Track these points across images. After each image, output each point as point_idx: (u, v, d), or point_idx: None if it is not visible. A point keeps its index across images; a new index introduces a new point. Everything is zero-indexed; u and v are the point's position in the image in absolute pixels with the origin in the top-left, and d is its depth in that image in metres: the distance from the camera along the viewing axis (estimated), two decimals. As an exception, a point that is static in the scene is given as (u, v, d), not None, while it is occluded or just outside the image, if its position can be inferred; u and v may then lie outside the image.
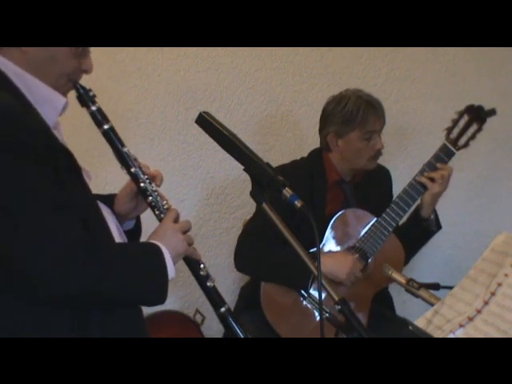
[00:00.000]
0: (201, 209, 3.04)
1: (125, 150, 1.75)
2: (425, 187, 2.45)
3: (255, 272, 2.54)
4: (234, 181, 2.95)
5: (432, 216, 2.51)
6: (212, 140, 1.61)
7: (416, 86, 3.17)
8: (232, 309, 2.62)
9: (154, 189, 1.77)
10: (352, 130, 2.48)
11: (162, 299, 1.61)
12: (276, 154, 3.03)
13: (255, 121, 3.03)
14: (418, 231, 2.55)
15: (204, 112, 1.61)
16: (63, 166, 1.57)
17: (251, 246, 2.49)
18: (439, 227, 2.55)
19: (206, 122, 1.60)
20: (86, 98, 1.71)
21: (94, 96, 1.72)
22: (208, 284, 1.74)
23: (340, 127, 2.50)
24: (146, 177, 1.76)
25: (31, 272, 1.45)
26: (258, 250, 2.46)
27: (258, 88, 3.06)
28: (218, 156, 2.89)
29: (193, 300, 2.86)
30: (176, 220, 1.73)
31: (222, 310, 1.74)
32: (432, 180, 2.43)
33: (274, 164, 1.64)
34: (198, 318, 2.74)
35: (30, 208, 1.45)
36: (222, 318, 1.75)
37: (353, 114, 2.46)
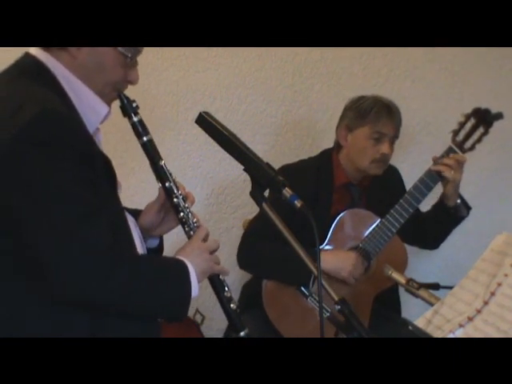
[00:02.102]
0: (201, 209, 3.04)
1: (161, 163, 1.77)
2: (430, 188, 2.44)
3: (257, 269, 2.55)
4: (234, 181, 2.96)
5: (459, 201, 2.51)
6: (212, 140, 1.61)
7: (416, 86, 3.17)
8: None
9: (186, 205, 1.78)
10: (362, 126, 2.49)
11: (182, 316, 1.63)
12: (276, 153, 3.03)
13: (255, 121, 3.03)
14: (450, 219, 2.55)
15: (204, 112, 1.61)
16: (101, 172, 1.58)
17: (254, 244, 2.50)
18: (469, 209, 2.55)
19: (205, 122, 1.60)
20: (128, 109, 1.73)
21: (137, 107, 1.74)
22: (231, 306, 1.75)
23: (352, 120, 2.52)
24: (179, 193, 1.78)
25: (52, 268, 1.44)
26: (261, 247, 2.47)
27: (257, 88, 3.06)
28: (217, 156, 2.89)
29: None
30: (205, 239, 1.74)
31: (242, 334, 1.74)
32: (448, 168, 2.42)
33: (274, 164, 1.63)
34: (198, 318, 2.74)
35: (68, 208, 1.45)
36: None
37: (367, 110, 2.48)
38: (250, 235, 2.54)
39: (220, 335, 2.71)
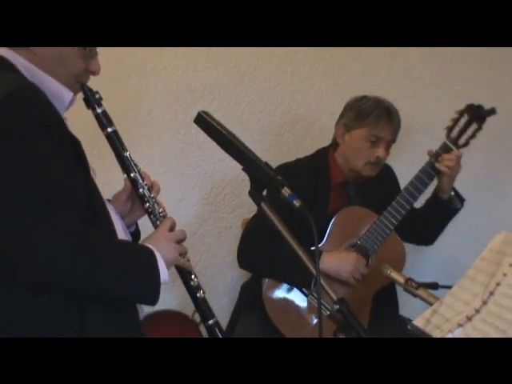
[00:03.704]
0: (199, 208, 3.05)
1: (126, 154, 1.78)
2: (430, 179, 2.47)
3: (258, 269, 2.55)
4: (233, 180, 2.96)
5: (452, 193, 2.53)
6: (211, 139, 1.60)
7: (414, 86, 3.18)
8: (233, 307, 2.65)
9: (152, 195, 1.80)
10: (360, 127, 2.49)
11: (153, 300, 1.63)
12: (275, 153, 3.03)
13: (254, 120, 3.03)
14: (445, 212, 2.57)
15: (203, 111, 1.60)
16: (71, 153, 1.59)
17: (254, 244, 2.50)
18: (463, 200, 2.56)
19: (204, 122, 1.60)
20: (92, 100, 1.74)
21: (101, 99, 1.76)
22: (198, 295, 1.78)
23: (351, 120, 2.52)
24: (145, 183, 1.80)
25: (17, 256, 1.45)
26: (261, 247, 2.46)
27: (256, 88, 3.06)
28: (216, 155, 2.89)
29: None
30: (172, 229, 1.76)
31: (210, 322, 1.79)
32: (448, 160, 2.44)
33: (273, 164, 1.64)
34: (197, 318, 2.74)
35: (29, 193, 1.46)
36: (209, 331, 1.79)
37: (367, 112, 2.49)
38: (250, 235, 2.54)
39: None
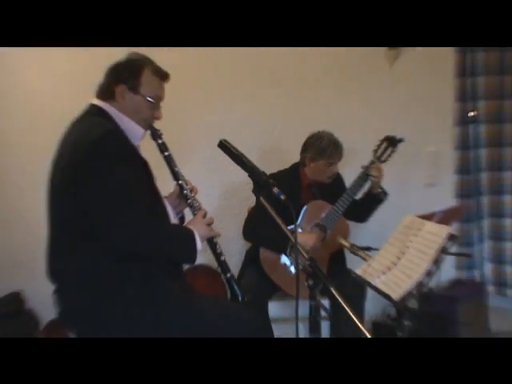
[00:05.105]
0: (220, 201, 3.01)
1: (176, 169, 1.78)
2: (365, 182, 2.45)
3: (256, 241, 2.50)
4: (241, 183, 2.92)
5: (380, 190, 2.52)
6: (228, 157, 1.59)
7: (354, 123, 3.08)
8: (240, 264, 2.62)
9: (192, 195, 1.79)
10: (321, 159, 2.48)
11: (192, 260, 1.64)
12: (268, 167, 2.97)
13: (255, 148, 2.96)
14: (374, 202, 2.55)
15: (223, 139, 1.59)
16: (142, 168, 1.62)
17: (253, 224, 2.46)
18: (386, 194, 2.55)
19: (224, 146, 1.59)
20: (155, 135, 1.75)
21: (161, 134, 1.75)
22: (222, 258, 1.78)
23: (314, 155, 2.49)
24: (188, 187, 1.80)
25: (112, 232, 1.48)
26: (256, 227, 2.42)
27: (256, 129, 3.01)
28: (230, 167, 2.82)
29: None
30: (204, 216, 1.76)
31: (228, 275, 1.78)
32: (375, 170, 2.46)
33: (267, 171, 1.62)
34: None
35: (121, 196, 1.49)
36: (227, 280, 1.78)
37: (324, 149, 2.47)
38: (251, 219, 2.50)
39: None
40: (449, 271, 3.05)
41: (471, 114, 3.14)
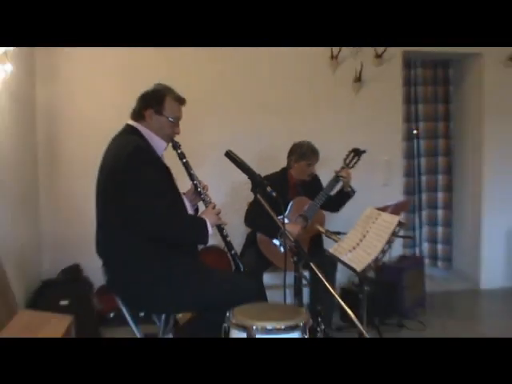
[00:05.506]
0: (225, 198, 3.02)
1: (192, 171, 1.81)
2: (337, 183, 2.51)
3: (253, 227, 2.55)
4: (242, 183, 2.84)
5: (349, 188, 2.56)
6: (232, 163, 1.62)
7: (326, 136, 3.06)
8: (242, 245, 2.64)
9: (204, 192, 1.82)
10: (302, 161, 2.56)
11: (205, 242, 1.67)
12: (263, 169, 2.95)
13: (253, 156, 2.94)
14: (345, 197, 2.58)
15: (229, 150, 1.64)
16: (165, 173, 1.67)
17: (251, 215, 2.49)
18: (354, 191, 2.58)
19: (229, 155, 1.63)
20: (176, 146, 1.78)
21: (180, 145, 1.79)
22: (228, 239, 1.78)
23: (297, 158, 2.57)
24: (201, 185, 1.82)
25: (142, 220, 1.50)
26: (254, 217, 2.46)
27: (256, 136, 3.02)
28: (234, 171, 2.79)
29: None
30: (214, 208, 1.76)
31: (232, 252, 1.78)
32: (344, 174, 2.50)
33: (262, 174, 1.67)
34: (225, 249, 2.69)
35: (150, 191, 1.52)
36: (232, 256, 1.77)
37: (304, 153, 2.55)
38: (250, 211, 2.52)
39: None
40: (397, 249, 3.26)
41: (414, 131, 3.62)
